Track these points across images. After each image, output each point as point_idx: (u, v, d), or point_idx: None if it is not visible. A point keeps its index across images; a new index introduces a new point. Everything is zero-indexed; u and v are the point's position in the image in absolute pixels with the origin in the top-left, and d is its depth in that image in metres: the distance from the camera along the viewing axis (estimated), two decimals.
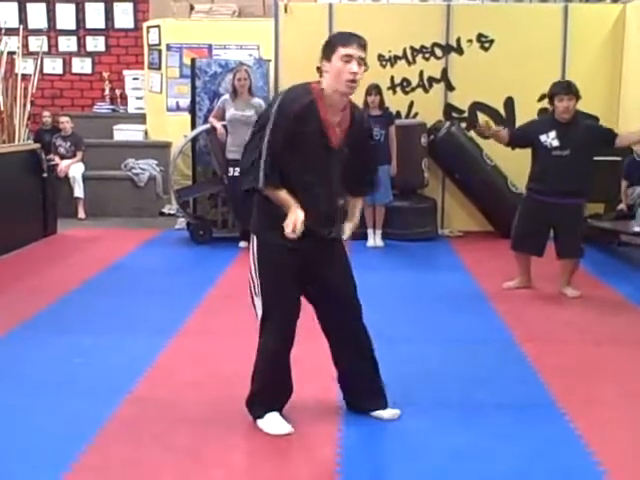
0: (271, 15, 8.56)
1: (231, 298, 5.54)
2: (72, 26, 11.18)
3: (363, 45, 3.24)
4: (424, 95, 8.30)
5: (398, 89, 8.29)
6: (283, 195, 3.24)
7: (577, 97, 5.50)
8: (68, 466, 3.03)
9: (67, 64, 11.28)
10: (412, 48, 8.23)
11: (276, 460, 3.18)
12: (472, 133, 8.22)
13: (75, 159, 9.49)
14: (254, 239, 3.44)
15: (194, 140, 8.01)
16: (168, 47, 9.62)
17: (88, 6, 11.13)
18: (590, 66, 7.94)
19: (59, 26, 11.18)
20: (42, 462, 3.08)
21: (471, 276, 6.38)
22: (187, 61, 9.06)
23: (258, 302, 3.37)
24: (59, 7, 11.14)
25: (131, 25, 11.11)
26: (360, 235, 7.10)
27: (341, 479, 2.97)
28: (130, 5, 11.11)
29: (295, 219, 3.17)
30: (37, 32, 10.89)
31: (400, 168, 7.59)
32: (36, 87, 8.87)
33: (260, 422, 3.38)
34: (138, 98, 10.63)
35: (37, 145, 8.38)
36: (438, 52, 8.25)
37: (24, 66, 8.86)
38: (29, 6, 11.13)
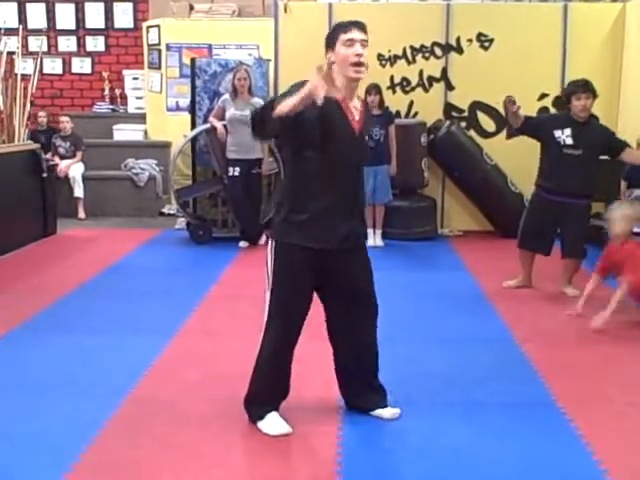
0: (271, 15, 8.57)
1: (231, 298, 5.54)
2: (72, 26, 11.18)
3: (363, 29, 3.25)
4: (424, 94, 8.30)
5: (398, 88, 8.29)
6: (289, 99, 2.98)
7: (594, 96, 5.47)
8: (69, 466, 3.04)
9: (67, 64, 11.28)
10: (412, 47, 8.23)
11: (276, 460, 3.18)
12: (472, 132, 8.26)
13: (75, 159, 9.49)
14: (273, 241, 3.36)
15: (194, 140, 8.01)
16: (168, 47, 9.61)
17: (88, 6, 11.12)
18: (590, 65, 7.93)
19: (59, 26, 11.17)
20: (43, 462, 3.09)
21: (471, 275, 6.38)
22: (187, 61, 9.05)
23: (267, 298, 3.36)
24: (59, 7, 11.14)
25: (131, 25, 11.11)
26: None
27: (341, 479, 2.97)
28: (130, 5, 11.11)
29: (312, 84, 2.89)
30: (37, 32, 10.89)
31: (400, 168, 7.59)
32: (36, 87, 8.88)
33: (260, 423, 3.38)
34: (138, 98, 10.63)
35: (37, 145, 8.37)
36: (438, 51, 8.24)
37: (24, 66, 8.86)
38: (29, 6, 11.12)
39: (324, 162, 3.22)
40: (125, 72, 10.82)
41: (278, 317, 3.32)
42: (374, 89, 7.41)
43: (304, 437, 3.34)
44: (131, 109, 10.73)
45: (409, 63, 8.27)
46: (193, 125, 8.07)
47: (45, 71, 10.93)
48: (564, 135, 5.46)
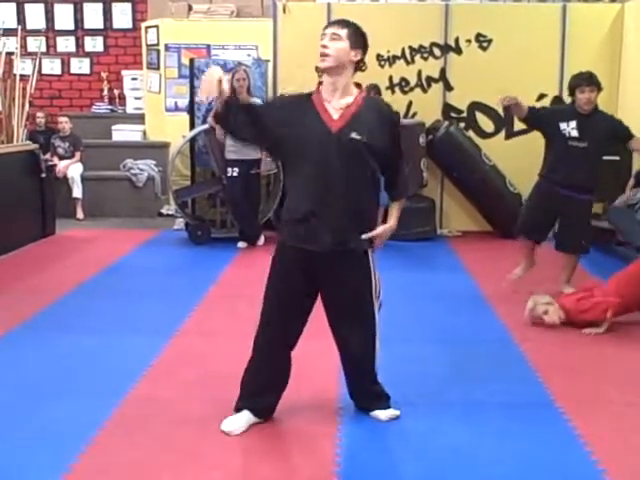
0: (269, 15, 8.57)
1: (230, 298, 5.54)
2: (70, 26, 11.16)
3: (341, 23, 3.32)
4: (422, 95, 8.30)
5: (397, 89, 8.29)
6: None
7: (599, 88, 5.46)
8: (68, 467, 3.04)
9: (65, 64, 11.26)
10: (410, 48, 8.23)
11: (275, 460, 3.19)
12: (470, 133, 8.26)
13: (73, 159, 9.48)
14: None
15: (193, 140, 8.01)
16: (166, 47, 9.61)
17: (86, 6, 11.10)
18: (588, 65, 7.82)
19: (57, 26, 11.16)
20: (42, 463, 3.09)
21: (470, 276, 6.38)
22: (185, 61, 9.05)
23: None
24: (57, 7, 11.13)
25: (129, 25, 11.10)
26: None
27: (340, 479, 2.97)
28: (128, 5, 11.09)
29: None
30: (35, 32, 10.88)
31: None
32: (34, 87, 8.86)
33: (230, 416, 3.41)
34: (137, 98, 10.61)
35: (35, 145, 8.36)
36: (437, 52, 8.25)
37: (22, 66, 8.85)
38: (27, 6, 11.11)
39: (299, 163, 3.26)
40: (124, 72, 10.80)
41: (263, 315, 3.37)
42: (373, 89, 7.42)
43: (303, 437, 3.34)
44: (130, 109, 10.72)
45: (408, 63, 8.27)
46: (192, 125, 8.07)
47: (44, 71, 10.91)
48: (569, 127, 5.46)
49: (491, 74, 8.09)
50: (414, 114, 8.30)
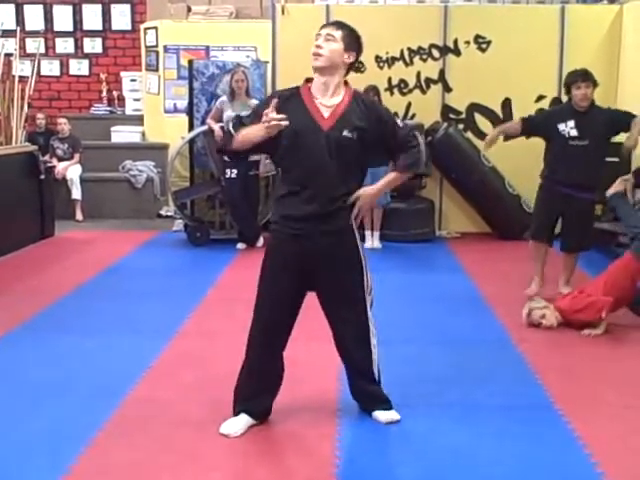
0: (268, 16, 8.57)
1: (229, 300, 5.54)
2: (69, 28, 11.16)
3: (337, 25, 3.34)
4: (421, 96, 8.31)
5: (395, 90, 8.29)
6: (248, 130, 3.29)
7: (594, 84, 5.44)
8: (67, 468, 3.04)
9: (64, 66, 11.26)
10: (409, 49, 8.24)
11: (274, 461, 3.19)
12: (469, 134, 8.27)
13: (72, 161, 9.49)
14: None
15: (192, 142, 8.01)
16: (165, 49, 9.61)
17: (85, 8, 11.10)
18: (587, 67, 7.84)
19: (56, 28, 11.15)
20: (40, 464, 3.08)
21: (469, 277, 6.38)
22: (184, 62, 9.06)
23: None
24: (56, 9, 11.13)
25: (128, 27, 11.10)
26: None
27: None
28: (127, 7, 11.10)
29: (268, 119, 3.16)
30: (34, 34, 10.88)
31: None
32: (33, 89, 8.85)
33: (229, 419, 3.41)
34: (135, 100, 10.61)
35: (34, 147, 8.36)
36: (435, 53, 8.25)
37: (21, 68, 8.84)
38: (26, 8, 11.11)
39: (289, 161, 3.29)
40: (123, 74, 10.80)
41: (255, 314, 3.38)
42: (372, 90, 7.42)
43: (302, 439, 3.34)
44: (129, 111, 10.72)
45: (407, 65, 8.27)
46: (191, 127, 8.07)
47: (43, 73, 10.91)
48: (568, 127, 5.44)
49: (490, 75, 8.10)
50: (413, 115, 8.30)
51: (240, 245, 7.58)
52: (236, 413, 3.43)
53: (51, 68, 11.21)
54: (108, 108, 10.88)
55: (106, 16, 11.13)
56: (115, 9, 11.11)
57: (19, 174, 7.83)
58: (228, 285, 6.09)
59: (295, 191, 3.27)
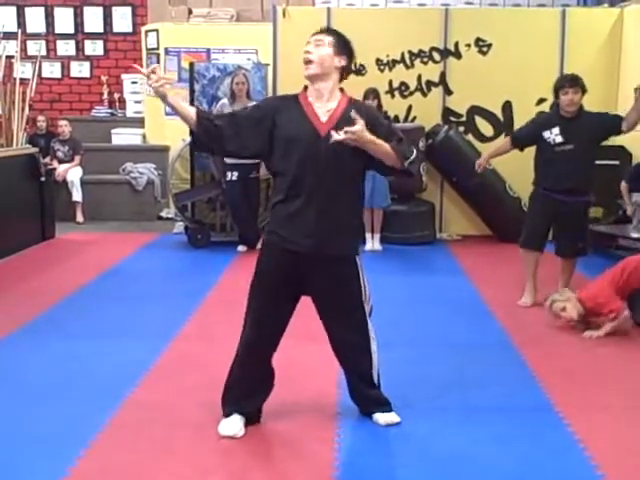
0: (269, 19, 8.58)
1: (229, 302, 5.52)
2: (70, 30, 11.19)
3: (325, 31, 3.35)
4: (422, 99, 8.31)
5: (396, 93, 8.30)
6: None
7: (583, 90, 5.41)
8: (67, 470, 3.03)
9: (65, 68, 11.29)
10: (410, 52, 8.24)
11: (274, 464, 3.19)
12: (470, 137, 8.27)
13: (73, 163, 9.49)
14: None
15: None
16: (166, 51, 9.62)
17: (86, 10, 11.14)
18: (588, 70, 7.89)
19: (57, 30, 11.19)
20: (40, 467, 3.08)
21: (469, 280, 6.38)
22: (185, 65, 9.07)
23: None
24: (57, 11, 11.15)
25: (129, 29, 11.13)
26: None
27: None
28: (128, 9, 11.13)
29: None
30: (35, 36, 10.90)
31: None
32: (34, 91, 8.86)
33: (223, 421, 3.40)
34: (136, 102, 10.63)
35: (35, 149, 8.37)
36: (436, 56, 8.26)
37: (22, 70, 8.86)
38: (27, 10, 11.14)
39: (287, 165, 3.25)
40: (124, 76, 10.82)
41: (247, 316, 3.38)
42: (372, 93, 7.41)
43: (301, 441, 3.34)
44: (130, 113, 10.74)
45: (407, 68, 8.28)
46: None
47: (44, 75, 10.94)
48: (553, 135, 5.43)
49: (491, 78, 8.11)
50: (414, 118, 8.31)
51: (241, 247, 7.58)
52: (227, 414, 3.42)
53: (52, 70, 11.23)
54: (109, 110, 10.90)
55: (107, 19, 11.16)
56: (116, 11, 11.14)
57: (20, 176, 7.83)
58: (228, 287, 6.09)
59: (293, 195, 3.25)
